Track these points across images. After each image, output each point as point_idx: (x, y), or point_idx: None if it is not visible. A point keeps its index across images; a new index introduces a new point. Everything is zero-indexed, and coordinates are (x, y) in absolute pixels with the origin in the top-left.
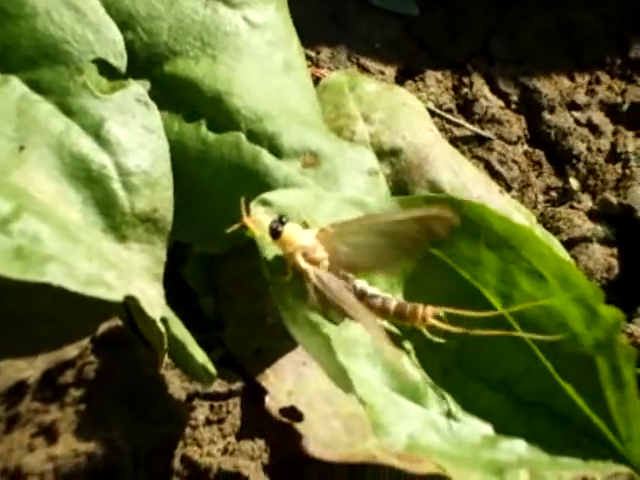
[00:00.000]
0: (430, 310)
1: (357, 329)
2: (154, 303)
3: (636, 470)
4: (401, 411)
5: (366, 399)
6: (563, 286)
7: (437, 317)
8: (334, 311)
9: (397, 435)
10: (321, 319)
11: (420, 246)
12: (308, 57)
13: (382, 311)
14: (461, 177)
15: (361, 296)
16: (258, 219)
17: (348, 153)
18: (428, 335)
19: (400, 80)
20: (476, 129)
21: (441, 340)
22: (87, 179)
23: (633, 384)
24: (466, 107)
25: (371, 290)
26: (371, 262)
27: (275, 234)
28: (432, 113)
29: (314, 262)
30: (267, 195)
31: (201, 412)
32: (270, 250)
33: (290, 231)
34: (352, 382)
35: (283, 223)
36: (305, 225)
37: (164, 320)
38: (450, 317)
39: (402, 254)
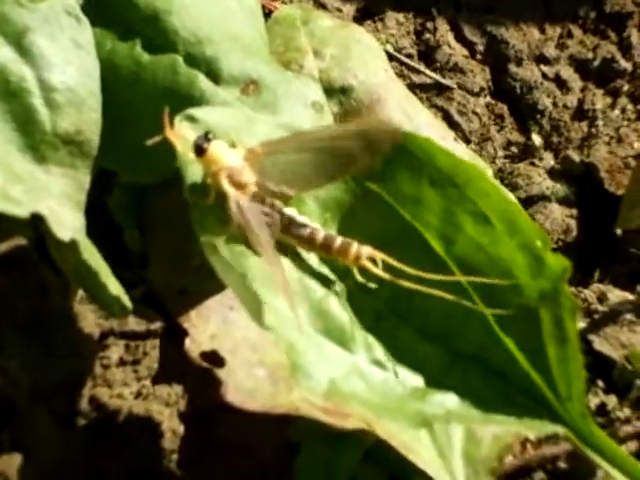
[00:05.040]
0: (366, 250)
1: (284, 265)
2: (66, 224)
3: (573, 430)
4: (324, 354)
5: (287, 338)
6: (509, 231)
7: (372, 260)
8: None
9: (318, 379)
10: (244, 250)
11: (357, 164)
12: None
13: (309, 242)
14: (415, 121)
15: (288, 225)
16: (182, 134)
17: (292, 84)
18: (359, 278)
19: (359, 20)
20: (437, 77)
21: (373, 285)
22: (4, 91)
23: (575, 339)
24: (428, 53)
25: (300, 219)
26: (303, 183)
27: (199, 151)
28: (390, 57)
29: (240, 185)
30: (194, 111)
31: (115, 351)
32: (193, 169)
33: (216, 149)
34: (272, 318)
35: (209, 140)
36: (234, 147)
37: (74, 243)
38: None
39: (336, 173)
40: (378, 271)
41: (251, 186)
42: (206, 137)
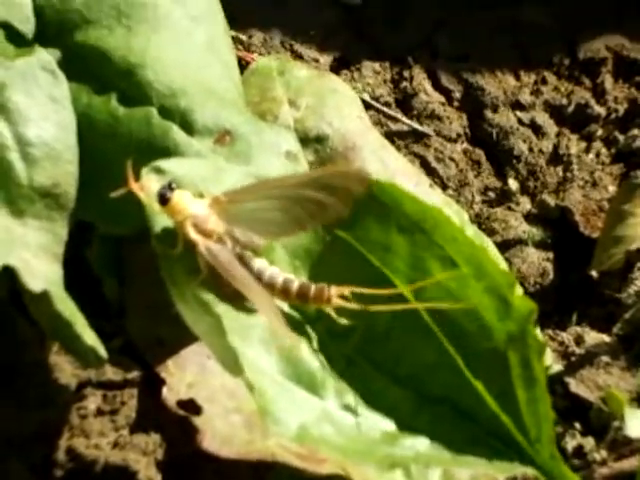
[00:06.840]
0: (334, 290)
1: (252, 311)
2: (38, 275)
3: (542, 472)
4: (294, 400)
5: (257, 385)
6: (476, 274)
7: (343, 297)
8: (226, 289)
9: (287, 424)
10: (213, 298)
11: (327, 213)
12: (239, 41)
13: (283, 292)
14: (390, 169)
15: (260, 276)
16: (146, 185)
17: (265, 134)
18: (334, 316)
19: (335, 69)
20: (414, 124)
21: (347, 322)
22: None
23: (543, 381)
24: (405, 101)
25: (271, 270)
26: (272, 231)
27: (163, 200)
28: (367, 105)
29: (206, 234)
30: (161, 162)
31: (93, 401)
32: (159, 220)
33: (180, 198)
34: (242, 366)
35: (172, 189)
36: (201, 196)
37: (47, 294)
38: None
39: (305, 222)
40: (353, 305)
41: (218, 234)
42: (169, 187)
